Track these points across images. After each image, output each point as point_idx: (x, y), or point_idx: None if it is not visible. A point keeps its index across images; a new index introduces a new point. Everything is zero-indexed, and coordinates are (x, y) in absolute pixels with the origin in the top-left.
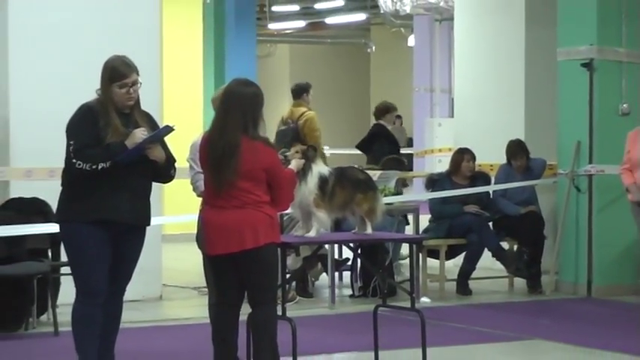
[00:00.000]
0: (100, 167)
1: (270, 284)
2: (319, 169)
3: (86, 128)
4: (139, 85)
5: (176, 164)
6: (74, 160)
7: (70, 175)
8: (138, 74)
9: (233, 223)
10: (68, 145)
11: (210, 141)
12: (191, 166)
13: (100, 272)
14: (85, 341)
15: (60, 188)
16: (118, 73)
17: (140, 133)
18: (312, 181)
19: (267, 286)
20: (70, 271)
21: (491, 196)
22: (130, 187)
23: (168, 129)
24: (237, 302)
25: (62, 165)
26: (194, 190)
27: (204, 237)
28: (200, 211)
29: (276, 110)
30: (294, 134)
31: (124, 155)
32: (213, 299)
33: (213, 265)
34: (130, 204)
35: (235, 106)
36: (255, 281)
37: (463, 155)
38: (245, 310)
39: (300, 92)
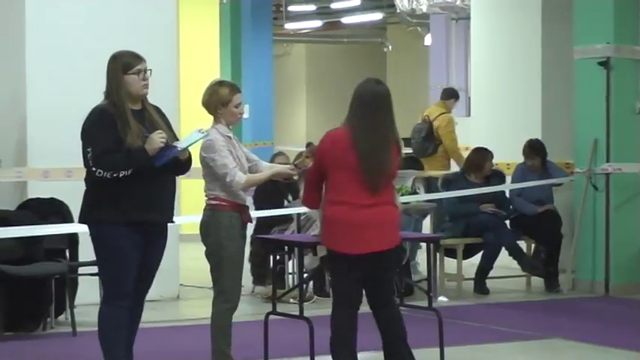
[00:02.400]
0: (121, 175)
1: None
2: None
3: (103, 132)
4: (149, 73)
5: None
6: (94, 169)
7: (92, 180)
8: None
9: (387, 219)
10: (85, 152)
11: (362, 139)
12: (224, 164)
13: (132, 274)
14: (114, 343)
15: (81, 188)
16: (129, 61)
17: (158, 138)
18: None
19: (393, 284)
20: (89, 272)
21: (507, 195)
22: (160, 186)
23: (202, 134)
24: (359, 303)
25: (79, 165)
26: (232, 185)
27: (337, 234)
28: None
29: (293, 110)
30: (428, 131)
31: (157, 164)
32: (342, 302)
33: (350, 265)
34: (160, 204)
35: (384, 105)
36: (387, 279)
37: (487, 154)
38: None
39: (448, 96)
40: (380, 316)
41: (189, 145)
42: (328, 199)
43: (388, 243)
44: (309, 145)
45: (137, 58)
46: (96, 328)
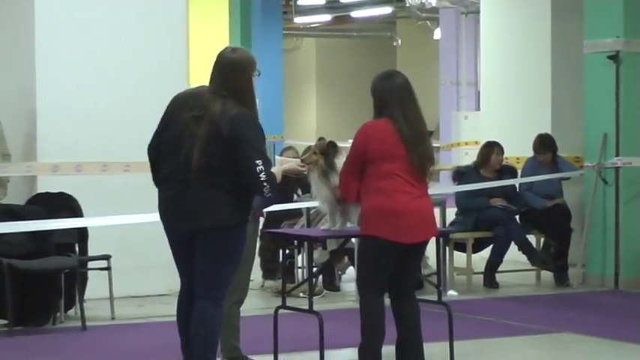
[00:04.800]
0: (272, 194)
1: None
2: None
3: (265, 145)
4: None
5: None
6: (265, 184)
7: (240, 185)
8: None
9: (428, 210)
10: (254, 165)
11: (407, 130)
12: None
13: None
14: (216, 345)
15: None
16: (253, 58)
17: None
18: (336, 176)
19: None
20: (99, 266)
21: (517, 190)
22: None
23: None
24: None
25: (88, 160)
26: None
27: (392, 224)
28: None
29: (303, 103)
30: None
31: None
32: (376, 290)
33: (392, 253)
34: None
35: (414, 96)
36: (415, 269)
37: (493, 148)
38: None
39: None
40: (401, 306)
41: None
42: (374, 188)
43: (429, 233)
44: (320, 139)
45: (253, 56)
46: (106, 323)
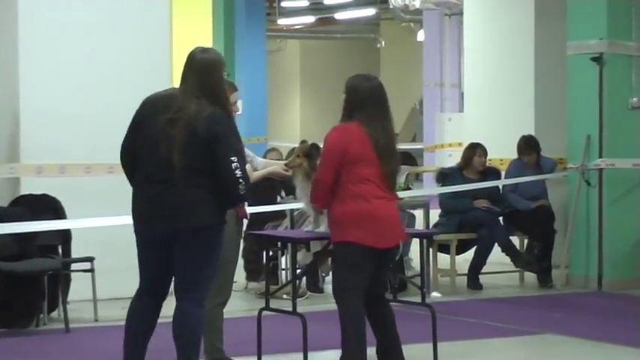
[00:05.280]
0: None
1: None
2: None
3: (241, 143)
4: None
5: None
6: (241, 180)
7: (218, 185)
8: None
9: (398, 215)
10: (229, 161)
11: (377, 134)
12: None
13: None
14: (199, 346)
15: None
16: (223, 59)
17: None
18: None
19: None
20: (82, 268)
21: (501, 191)
22: None
23: None
24: None
25: (72, 161)
26: None
27: (369, 229)
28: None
29: (287, 104)
30: None
31: None
32: (357, 295)
33: (370, 259)
34: None
35: (386, 100)
36: (386, 274)
37: (475, 150)
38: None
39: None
40: (378, 312)
41: None
42: (350, 193)
43: (401, 237)
44: (303, 142)
45: (223, 57)
46: (89, 325)
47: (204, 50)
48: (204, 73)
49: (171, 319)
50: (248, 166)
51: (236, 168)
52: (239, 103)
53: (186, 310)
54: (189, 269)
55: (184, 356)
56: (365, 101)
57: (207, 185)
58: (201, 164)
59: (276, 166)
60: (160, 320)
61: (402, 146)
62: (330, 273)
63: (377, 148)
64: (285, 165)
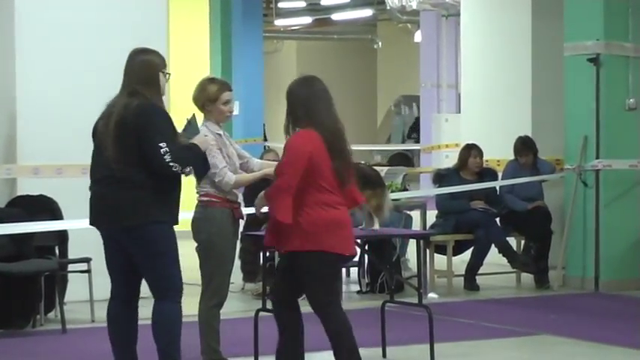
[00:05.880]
0: (188, 170)
1: None
2: None
3: (170, 129)
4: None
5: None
6: (172, 164)
7: (152, 177)
8: None
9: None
10: (158, 148)
11: (333, 139)
12: (214, 164)
13: None
14: (179, 339)
15: (70, 185)
16: (164, 60)
17: (205, 136)
18: None
19: None
20: (79, 269)
21: (497, 192)
22: (181, 186)
23: (194, 117)
24: None
25: (69, 162)
26: (221, 185)
27: (340, 236)
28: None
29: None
30: None
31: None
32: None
33: (341, 266)
34: (179, 204)
35: (331, 101)
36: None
37: (470, 151)
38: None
39: None
40: (288, 316)
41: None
42: (316, 201)
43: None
44: None
45: (164, 59)
46: (86, 326)
47: (142, 50)
48: (138, 68)
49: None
50: (235, 175)
51: (165, 153)
52: (236, 104)
53: (158, 310)
54: (148, 268)
55: (166, 355)
56: (307, 104)
57: (145, 182)
58: (136, 160)
59: (272, 168)
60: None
61: (400, 147)
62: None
63: (331, 153)
64: None
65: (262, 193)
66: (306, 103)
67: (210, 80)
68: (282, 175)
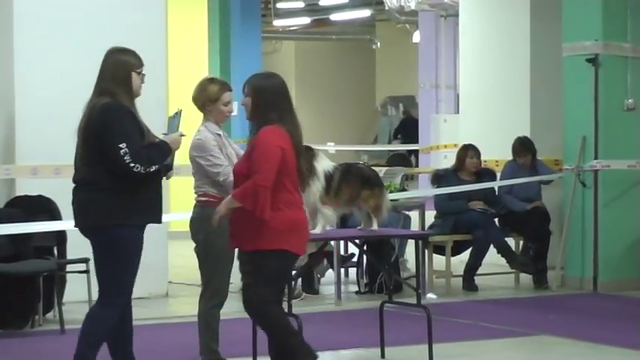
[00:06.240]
0: (153, 169)
1: None
2: (323, 166)
3: (133, 128)
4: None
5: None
6: (132, 165)
7: (115, 179)
8: None
9: None
10: (117, 149)
11: (297, 138)
12: (216, 164)
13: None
14: (100, 344)
15: (69, 185)
16: (137, 61)
17: (180, 138)
18: (318, 181)
19: None
20: (78, 269)
21: (496, 193)
22: (160, 188)
23: (177, 115)
24: None
25: (68, 163)
26: (226, 184)
27: (302, 237)
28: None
29: None
30: None
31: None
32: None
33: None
34: (160, 205)
35: (290, 97)
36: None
37: (467, 151)
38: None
39: None
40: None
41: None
42: (283, 200)
43: None
44: None
45: (140, 59)
46: None
47: (118, 50)
48: (109, 70)
49: (162, 321)
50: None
51: (125, 154)
52: (234, 105)
53: (93, 310)
54: (98, 269)
55: (76, 350)
56: (276, 101)
57: (107, 183)
58: (99, 159)
59: None
60: (156, 322)
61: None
62: (325, 274)
63: (296, 153)
64: None
65: (229, 197)
66: (276, 100)
67: (211, 80)
68: (260, 171)
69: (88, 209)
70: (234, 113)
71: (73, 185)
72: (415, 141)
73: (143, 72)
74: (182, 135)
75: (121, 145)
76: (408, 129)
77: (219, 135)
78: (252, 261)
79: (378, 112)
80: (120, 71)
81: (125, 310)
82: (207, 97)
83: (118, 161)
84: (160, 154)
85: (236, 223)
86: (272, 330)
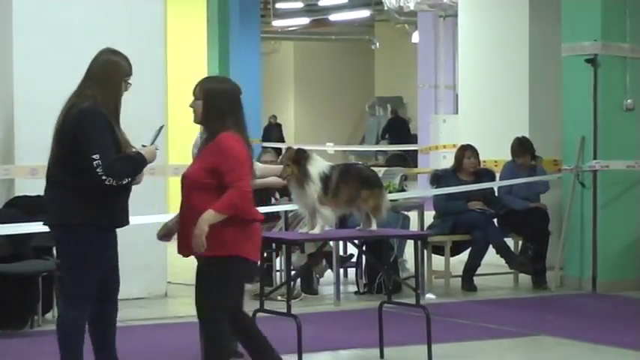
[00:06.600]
0: (125, 182)
1: None
2: (317, 168)
3: (109, 139)
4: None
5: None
6: (104, 177)
7: (85, 184)
8: None
9: None
10: (90, 159)
11: (247, 143)
12: None
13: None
14: (80, 348)
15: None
16: (128, 68)
17: (156, 151)
18: (313, 183)
19: None
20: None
21: (495, 193)
22: (129, 190)
23: (161, 129)
24: None
25: None
26: None
27: (256, 244)
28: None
29: (281, 106)
30: None
31: None
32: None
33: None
34: (127, 207)
35: (242, 102)
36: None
37: (464, 152)
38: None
39: None
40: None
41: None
42: None
43: None
44: (288, 149)
45: (131, 66)
46: None
47: (111, 51)
48: (98, 70)
49: (161, 322)
50: None
51: (97, 166)
52: None
53: (59, 315)
54: (63, 268)
55: (61, 356)
56: (232, 107)
57: (74, 183)
58: (65, 161)
59: (273, 178)
60: (155, 322)
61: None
62: (324, 274)
63: (249, 157)
64: (280, 177)
65: (210, 213)
66: (232, 106)
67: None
68: (240, 178)
69: (59, 207)
70: None
71: (45, 183)
72: (404, 141)
73: (130, 81)
74: (157, 149)
75: (94, 156)
76: (396, 129)
77: None
78: (206, 267)
79: (365, 112)
80: (109, 73)
81: (109, 314)
82: None
83: (90, 171)
84: (134, 167)
85: (185, 229)
86: (212, 345)
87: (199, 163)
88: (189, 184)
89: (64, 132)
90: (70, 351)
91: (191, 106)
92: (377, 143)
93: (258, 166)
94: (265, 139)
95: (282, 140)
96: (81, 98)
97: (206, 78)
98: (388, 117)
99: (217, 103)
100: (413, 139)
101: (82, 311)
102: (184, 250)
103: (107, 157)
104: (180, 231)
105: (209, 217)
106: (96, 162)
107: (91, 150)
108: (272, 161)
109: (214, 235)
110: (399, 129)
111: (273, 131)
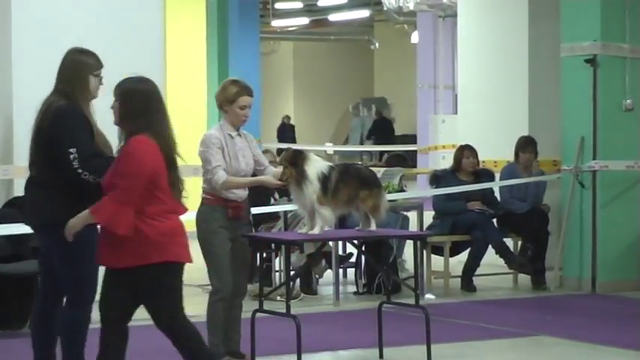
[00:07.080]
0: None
1: None
2: (315, 168)
3: (85, 133)
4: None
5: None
6: (80, 171)
7: (64, 181)
8: None
9: None
10: (67, 153)
11: (168, 146)
12: (208, 160)
13: None
14: (79, 347)
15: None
16: (96, 63)
17: None
18: (311, 184)
19: None
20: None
21: (494, 193)
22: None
23: None
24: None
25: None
26: (211, 183)
27: (183, 244)
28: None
29: (281, 106)
30: None
31: None
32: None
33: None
34: None
35: (164, 102)
36: None
37: (463, 152)
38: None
39: None
40: (117, 331)
41: None
42: (161, 210)
43: None
44: (285, 150)
45: (99, 60)
46: None
47: (77, 50)
48: (66, 70)
49: (150, 322)
50: (227, 176)
51: (74, 159)
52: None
53: (63, 315)
54: (60, 270)
55: (67, 356)
56: (145, 108)
57: (51, 181)
58: (45, 159)
59: (266, 176)
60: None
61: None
62: (323, 274)
63: (168, 164)
64: (280, 180)
65: (85, 212)
66: (146, 107)
67: (233, 82)
68: (120, 187)
69: (41, 207)
70: (248, 118)
71: (25, 183)
72: (389, 142)
73: (101, 75)
74: None
75: (70, 150)
76: (381, 130)
77: (230, 136)
78: (130, 278)
79: (349, 112)
80: (77, 72)
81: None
82: (225, 98)
83: (66, 166)
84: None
85: (107, 239)
86: (186, 344)
87: (111, 169)
88: (104, 190)
89: (41, 132)
90: (70, 351)
91: (111, 107)
92: (361, 143)
93: (271, 171)
94: (280, 139)
95: (294, 141)
96: (57, 97)
97: (125, 79)
98: (373, 117)
99: (131, 104)
100: (398, 140)
101: (82, 309)
102: (107, 261)
103: (83, 151)
104: (102, 240)
105: (83, 216)
106: (72, 155)
107: (68, 144)
108: (271, 162)
109: (139, 244)
110: (383, 130)
111: (287, 132)
